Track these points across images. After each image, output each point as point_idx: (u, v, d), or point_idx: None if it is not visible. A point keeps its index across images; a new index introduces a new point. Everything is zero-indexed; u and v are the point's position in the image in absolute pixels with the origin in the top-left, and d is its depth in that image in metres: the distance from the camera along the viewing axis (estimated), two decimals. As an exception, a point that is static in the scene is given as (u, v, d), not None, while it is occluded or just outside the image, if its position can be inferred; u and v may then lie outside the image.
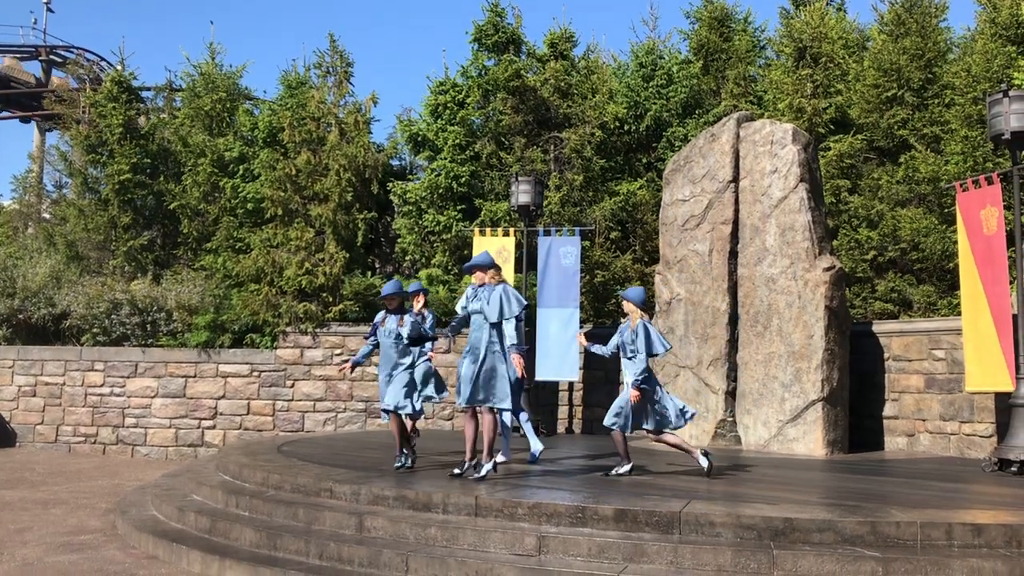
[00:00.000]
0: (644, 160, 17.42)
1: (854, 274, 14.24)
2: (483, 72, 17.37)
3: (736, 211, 12.25)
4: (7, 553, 7.60)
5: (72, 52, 38.90)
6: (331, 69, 18.58)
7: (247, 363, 15.63)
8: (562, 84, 17.22)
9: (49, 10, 42.13)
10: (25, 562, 7.28)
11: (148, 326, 16.29)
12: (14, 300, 17.03)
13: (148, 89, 22.44)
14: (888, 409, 12.38)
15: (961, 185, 10.82)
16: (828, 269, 11.39)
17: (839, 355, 11.46)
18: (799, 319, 11.43)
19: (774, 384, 11.54)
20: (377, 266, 18.44)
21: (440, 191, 16.45)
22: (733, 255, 12.21)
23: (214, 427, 15.56)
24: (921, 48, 14.83)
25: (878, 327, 12.71)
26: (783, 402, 11.45)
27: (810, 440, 11.18)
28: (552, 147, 16.86)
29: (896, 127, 14.80)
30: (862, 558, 5.70)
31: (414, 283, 10.36)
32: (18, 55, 40.06)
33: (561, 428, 14.58)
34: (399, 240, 17.17)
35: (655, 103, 17.08)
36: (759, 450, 11.45)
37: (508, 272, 14.28)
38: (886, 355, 12.45)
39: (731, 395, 12.02)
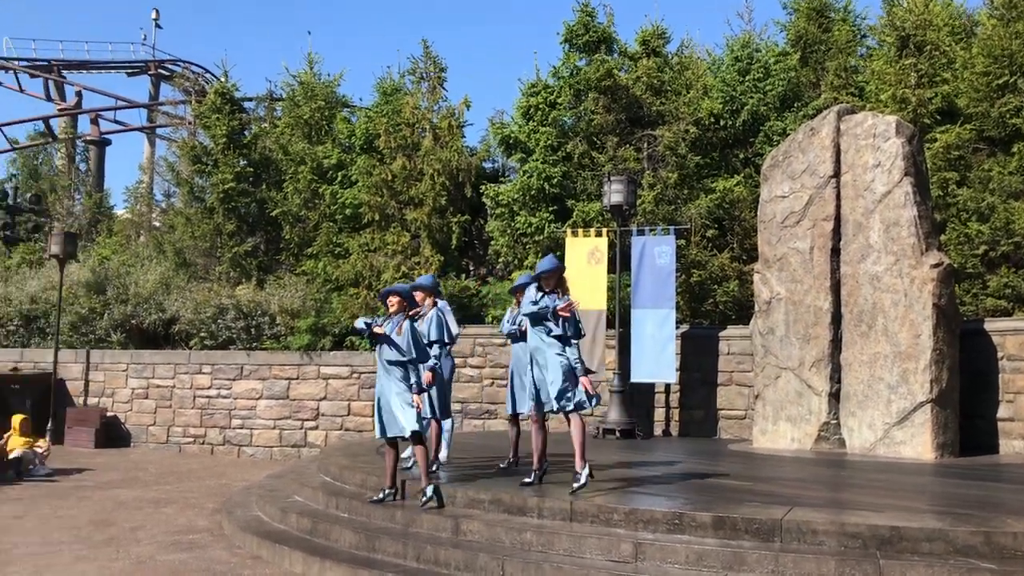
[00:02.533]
0: (741, 156, 17.06)
1: (964, 270, 13.64)
2: (574, 72, 17.30)
3: (838, 207, 11.87)
4: (123, 550, 7.93)
5: (178, 66, 40.46)
6: (425, 75, 18.82)
7: (347, 365, 15.94)
8: (655, 81, 17.02)
9: (157, 26, 43.96)
10: (139, 560, 7.59)
11: (252, 330, 16.79)
12: (127, 306, 17.80)
13: (250, 100, 23.17)
14: (1003, 411, 11.82)
15: (1081, 175, 10.26)
16: (936, 265, 10.94)
17: (948, 355, 11.00)
18: (905, 318, 11.01)
19: (880, 385, 11.14)
20: (471, 268, 18.58)
21: (532, 192, 16.46)
22: (835, 252, 11.84)
23: (316, 428, 15.93)
24: (1035, 32, 14.10)
25: (991, 325, 12.15)
26: (889, 404, 11.04)
27: (918, 443, 10.76)
28: (645, 145, 16.67)
29: (1008, 116, 14.12)
30: (976, 571, 5.44)
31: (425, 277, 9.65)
32: (129, 70, 41.87)
33: (658, 431, 14.40)
34: (492, 242, 17.25)
35: (752, 97, 16.71)
36: (864, 454, 11.08)
37: (601, 273, 14.20)
38: (1000, 354, 11.88)
39: (835, 397, 11.65)
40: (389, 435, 7.85)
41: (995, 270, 13.67)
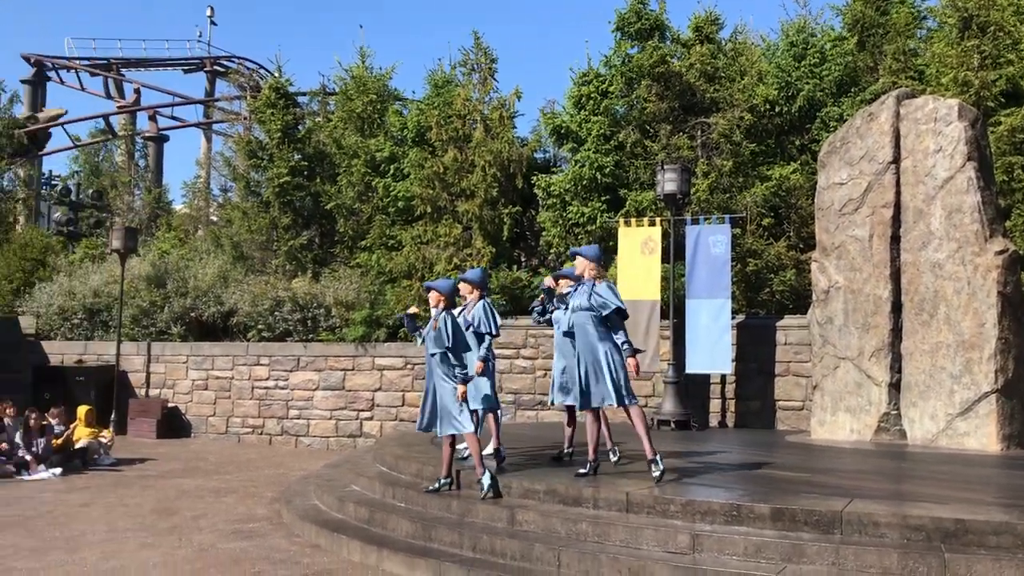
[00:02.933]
0: (797, 143, 16.78)
1: (1031, 257, 13.26)
2: (626, 60, 17.17)
3: (897, 194, 11.61)
4: (185, 538, 8.10)
5: (233, 62, 41.05)
6: (476, 66, 18.84)
7: (401, 356, 16.07)
8: (708, 68, 16.81)
9: (213, 23, 44.67)
10: (201, 547, 7.74)
11: (308, 322, 17.01)
12: (187, 299, 18.14)
13: (303, 94, 23.42)
14: (1072, 401, 11.46)
15: None
16: (1000, 252, 10.65)
17: (1015, 344, 10.70)
18: (968, 306, 10.75)
19: (942, 375, 10.89)
20: (523, 259, 18.58)
21: (584, 182, 16.39)
22: (895, 240, 11.59)
23: (371, 418, 16.09)
24: (1105, 9, 13.64)
25: (1059, 313, 11.78)
26: (952, 394, 10.80)
27: (983, 434, 10.51)
28: (699, 133, 16.49)
29: (1077, 97, 13.68)
30: (1046, 565, 5.30)
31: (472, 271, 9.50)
32: (185, 67, 42.62)
33: (714, 422, 14.27)
34: (544, 233, 17.22)
35: (808, 83, 16.42)
36: (926, 445, 10.85)
37: (655, 263, 14.08)
38: (1069, 343, 11.53)
39: (895, 387, 11.42)
40: (443, 433, 7.87)
41: (1063, 256, 13.27)
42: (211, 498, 10.39)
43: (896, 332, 11.46)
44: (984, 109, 13.85)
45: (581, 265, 7.89)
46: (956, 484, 7.67)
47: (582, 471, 7.78)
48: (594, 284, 7.70)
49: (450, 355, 7.73)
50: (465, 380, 7.75)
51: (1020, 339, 10.85)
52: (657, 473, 7.33)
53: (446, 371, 7.77)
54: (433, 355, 7.84)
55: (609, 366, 7.47)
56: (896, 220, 11.58)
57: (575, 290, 7.94)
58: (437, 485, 8.07)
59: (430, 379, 7.94)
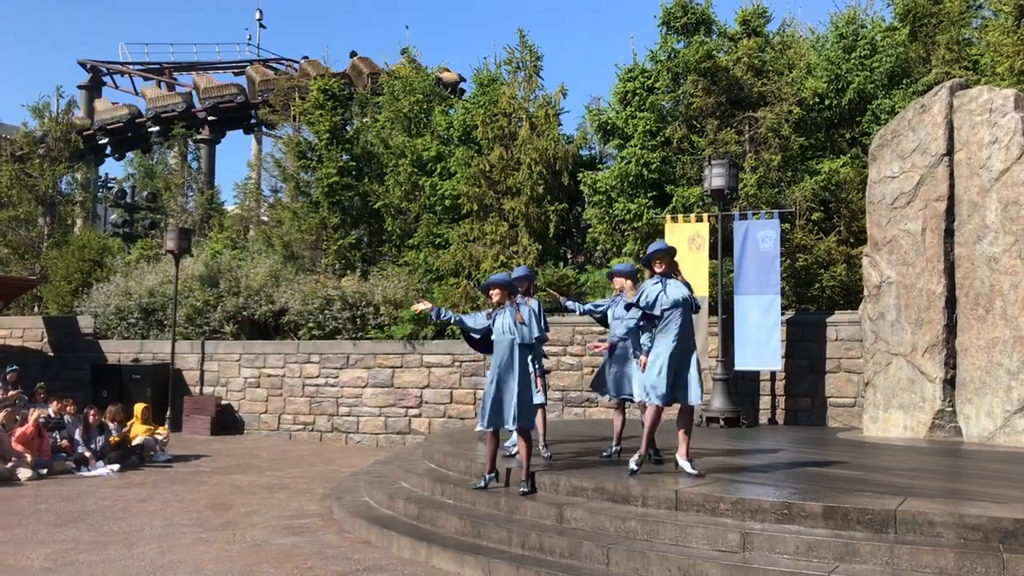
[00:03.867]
0: (847, 136, 16.54)
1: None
2: (672, 55, 17.07)
3: (951, 187, 11.39)
4: (239, 534, 8.24)
5: (282, 64, 41.52)
6: (521, 64, 18.87)
7: (449, 354, 16.17)
8: (756, 62, 16.65)
9: (262, 26, 45.32)
10: (254, 543, 7.87)
11: (358, 320, 17.19)
12: (239, 298, 18.44)
13: (351, 97, 23.63)
14: None
15: None
16: (1060, 246, 10.40)
17: (1075, 340, 10.45)
18: (1027, 301, 10.50)
19: (999, 371, 10.67)
20: (569, 256, 18.57)
21: (630, 179, 16.33)
22: (948, 234, 11.37)
23: (420, 415, 16.21)
24: None
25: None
26: (1010, 391, 10.57)
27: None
28: (747, 127, 16.33)
29: None
30: (1108, 566, 5.17)
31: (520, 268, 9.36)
32: (236, 70, 43.21)
33: (763, 419, 14.14)
34: (590, 230, 17.20)
35: (858, 75, 16.17)
36: (983, 443, 10.64)
37: (703, 259, 13.99)
38: None
39: (950, 384, 11.22)
40: (504, 426, 7.85)
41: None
42: (264, 494, 10.55)
43: (950, 328, 11.25)
44: (1042, 99, 13.52)
45: (619, 283, 8.38)
46: (1015, 483, 7.51)
47: (634, 468, 7.77)
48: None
49: (534, 348, 7.83)
50: (543, 372, 7.89)
51: (1080, 334, 10.58)
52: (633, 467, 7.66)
53: (521, 364, 7.74)
54: (515, 347, 7.76)
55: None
56: (950, 213, 11.37)
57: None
58: (483, 482, 8.11)
59: (508, 372, 7.79)
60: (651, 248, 7.81)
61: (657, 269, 7.70)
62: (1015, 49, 14.31)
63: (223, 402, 17.70)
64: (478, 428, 9.02)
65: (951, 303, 11.27)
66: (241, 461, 13.67)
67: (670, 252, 7.76)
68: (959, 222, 11.28)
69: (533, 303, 8.11)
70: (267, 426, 17.33)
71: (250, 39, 45.23)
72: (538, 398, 7.90)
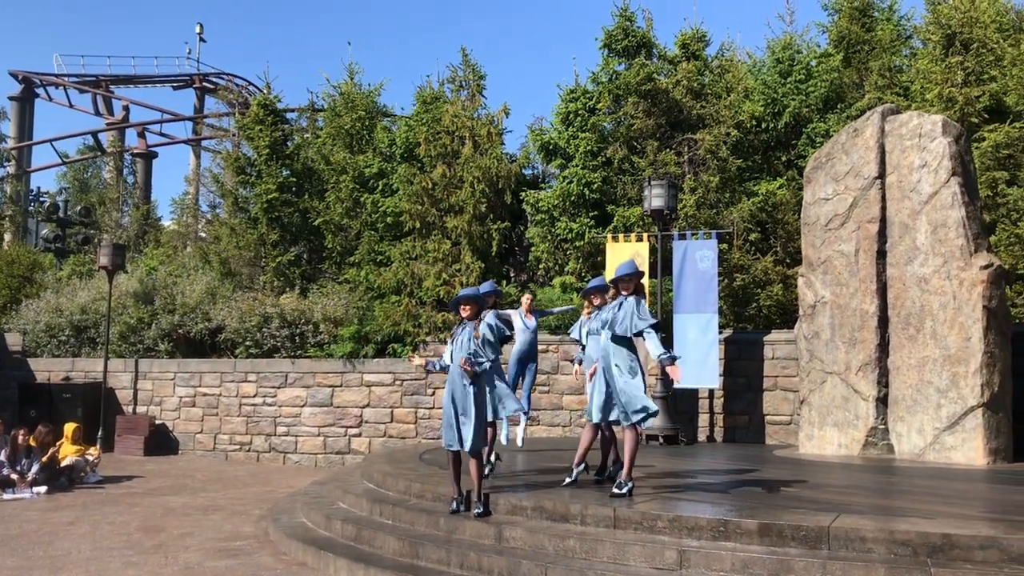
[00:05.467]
0: (783, 158, 16.90)
1: (1015, 271, 13.36)
2: (614, 77, 17.26)
3: (883, 209, 11.69)
4: (171, 556, 8.05)
5: (222, 79, 41.09)
6: (464, 83, 18.91)
7: (390, 372, 16.03)
8: (695, 85, 16.93)
9: (202, 40, 44.77)
10: (187, 566, 7.69)
11: (296, 338, 16.96)
12: (174, 316, 18.07)
13: (292, 111, 23.44)
14: (1058, 415, 11.53)
15: None
16: (985, 267, 10.72)
17: (1000, 358, 10.76)
18: (955, 321, 10.80)
19: (929, 389, 10.94)
20: (511, 275, 18.60)
21: (572, 198, 16.44)
22: (881, 255, 11.66)
23: (360, 435, 16.03)
24: (1086, 26, 13.80)
25: (1044, 327, 11.87)
26: (939, 408, 10.84)
27: (970, 449, 10.54)
28: (686, 149, 16.57)
29: (1059, 112, 13.82)
30: (1031, 579, 5.31)
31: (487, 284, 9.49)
32: (175, 84, 42.62)
33: (702, 436, 14.27)
34: (532, 248, 17.26)
35: (794, 99, 16.55)
36: (914, 459, 10.88)
37: (643, 278, 14.08)
38: (1054, 357, 11.60)
39: (882, 401, 11.46)
40: (457, 448, 7.62)
41: (1047, 271, 13.37)
42: (198, 515, 10.32)
43: (883, 347, 11.51)
44: (968, 125, 14.00)
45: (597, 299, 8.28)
46: (943, 499, 7.69)
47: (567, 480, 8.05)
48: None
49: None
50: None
51: (1005, 353, 10.91)
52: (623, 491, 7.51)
53: (472, 384, 7.56)
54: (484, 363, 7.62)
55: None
56: (882, 235, 11.65)
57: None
58: (455, 506, 7.76)
59: (462, 392, 7.54)
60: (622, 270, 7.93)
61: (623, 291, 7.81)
62: (943, 77, 14.78)
63: (157, 422, 17.29)
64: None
65: (883, 323, 11.53)
66: (175, 482, 13.36)
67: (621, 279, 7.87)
68: (891, 243, 11.57)
69: (489, 318, 7.95)
70: (203, 446, 16.97)
71: (190, 53, 44.66)
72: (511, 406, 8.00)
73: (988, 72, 14.86)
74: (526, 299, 11.55)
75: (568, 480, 8.26)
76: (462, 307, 7.71)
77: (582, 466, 8.36)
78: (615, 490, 7.49)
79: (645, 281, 13.97)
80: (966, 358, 10.67)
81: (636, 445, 7.64)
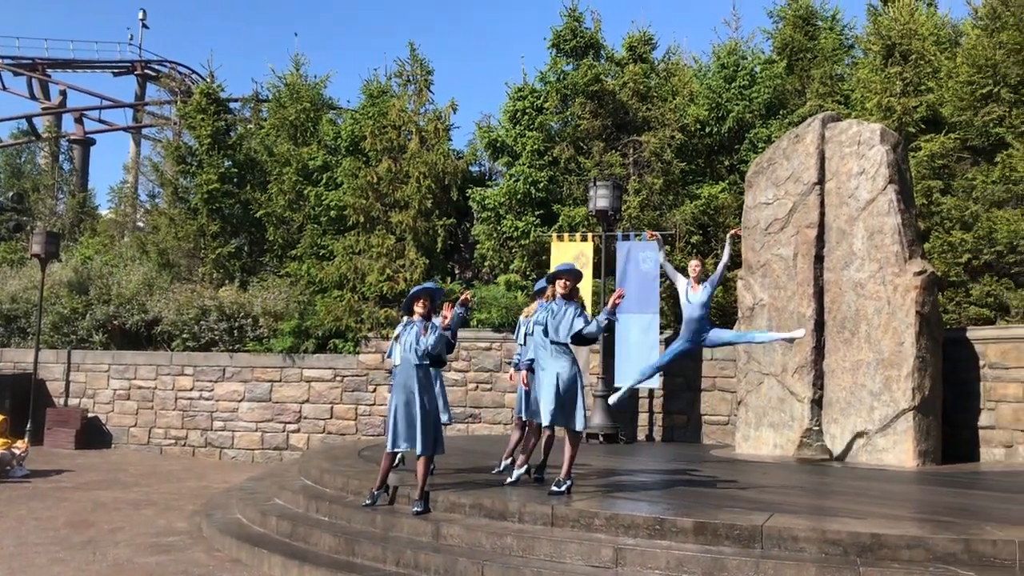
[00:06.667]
0: (726, 163, 17.11)
1: (947, 278, 13.70)
2: (561, 77, 17.31)
3: (822, 214, 11.91)
4: (100, 553, 7.85)
5: (165, 66, 40.21)
6: (411, 77, 18.79)
7: (330, 368, 15.88)
8: (641, 87, 17.05)
9: (144, 26, 43.68)
10: (116, 562, 7.51)
11: (235, 332, 16.70)
12: (110, 306, 17.66)
13: (235, 100, 23.07)
14: (984, 419, 11.87)
15: (1062, 185, 10.31)
16: (919, 273, 10.98)
17: (931, 362, 11.04)
18: (888, 325, 11.05)
19: (862, 392, 11.17)
20: (456, 272, 18.55)
21: (518, 197, 16.44)
22: (819, 259, 11.87)
23: (298, 431, 15.85)
24: (1019, 42, 14.17)
25: (973, 333, 12.20)
26: (872, 411, 11.07)
27: (900, 451, 10.79)
28: (631, 151, 16.69)
29: (992, 125, 14.20)
30: (955, 578, 5.45)
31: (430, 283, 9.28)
32: (115, 70, 41.60)
33: (641, 436, 14.40)
34: (478, 246, 17.22)
35: (737, 104, 16.77)
36: (847, 460, 11.11)
37: (587, 277, 14.16)
38: (982, 363, 11.93)
39: (817, 403, 11.68)
40: (401, 451, 7.66)
41: (978, 279, 13.72)
42: (129, 511, 10.09)
43: (819, 350, 11.72)
44: (905, 134, 14.30)
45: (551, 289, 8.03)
46: (874, 499, 7.86)
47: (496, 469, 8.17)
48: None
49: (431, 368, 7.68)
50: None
51: (936, 358, 11.19)
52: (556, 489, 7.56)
53: (424, 383, 7.58)
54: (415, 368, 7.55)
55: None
56: (820, 240, 11.87)
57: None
58: (371, 499, 7.89)
59: (410, 393, 7.51)
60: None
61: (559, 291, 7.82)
62: (882, 86, 15.10)
63: (90, 415, 16.88)
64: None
65: (820, 326, 11.75)
66: (107, 476, 13.05)
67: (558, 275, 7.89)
68: (828, 248, 11.79)
69: (437, 321, 7.90)
70: (136, 440, 16.61)
71: (132, 39, 43.53)
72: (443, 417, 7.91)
73: (926, 83, 15.21)
74: (694, 266, 9.89)
75: (510, 479, 8.25)
76: (420, 301, 7.63)
77: (524, 467, 8.34)
78: (554, 488, 7.52)
79: (588, 281, 14.14)
80: (899, 362, 10.91)
81: (577, 446, 7.68)
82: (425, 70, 18.72)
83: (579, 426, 7.63)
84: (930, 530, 6.14)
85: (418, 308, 7.62)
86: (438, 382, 8.02)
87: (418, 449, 7.43)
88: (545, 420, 7.54)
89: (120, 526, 9.14)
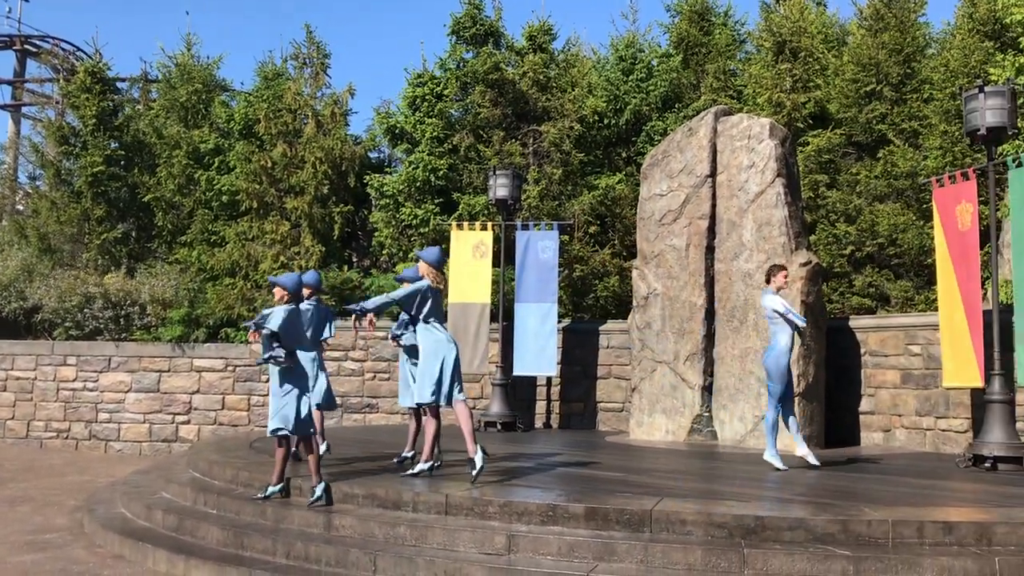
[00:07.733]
0: (623, 154, 17.35)
1: (831, 269, 14.23)
2: (461, 64, 17.25)
3: (713, 206, 12.20)
4: (-32, 553, 7.45)
5: (47, 42, 38.32)
6: (308, 60, 18.45)
7: (222, 358, 15.47)
8: (541, 77, 17.12)
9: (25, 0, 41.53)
10: (-14, 562, 7.15)
11: (122, 320, 16.10)
12: (-15, 293, 16.80)
13: (123, 80, 22.17)
14: (865, 404, 12.38)
15: (937, 181, 10.80)
16: (804, 264, 11.35)
17: (815, 350, 11.44)
18: (776, 314, 11.37)
19: (750, 379, 11.50)
20: (354, 260, 18.31)
21: (418, 184, 16.33)
22: (710, 250, 12.16)
23: (188, 422, 15.39)
24: (900, 43, 14.82)
25: (855, 322, 12.70)
26: (759, 397, 11.39)
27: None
28: (531, 140, 16.76)
29: (874, 122, 14.80)
30: (833, 557, 5.66)
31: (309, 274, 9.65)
32: (-7, 44, 39.45)
33: (539, 423, 14.52)
34: (376, 234, 17.04)
35: (635, 97, 17.02)
36: (735, 445, 11.43)
37: (486, 266, 14.18)
38: (863, 350, 12.44)
39: (707, 390, 11.98)
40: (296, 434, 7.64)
41: (860, 270, 14.31)
42: (3, 508, 9.62)
43: (709, 338, 12.01)
44: (794, 129, 14.79)
45: (422, 269, 7.91)
46: (759, 483, 8.10)
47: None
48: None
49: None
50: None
51: (820, 345, 11.60)
52: (475, 472, 7.52)
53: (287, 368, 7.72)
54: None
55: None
56: (711, 231, 12.15)
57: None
58: (265, 493, 7.69)
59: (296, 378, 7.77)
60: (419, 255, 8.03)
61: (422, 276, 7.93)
62: (773, 82, 15.55)
63: (-38, 407, 16.03)
64: None
65: (711, 315, 12.04)
66: (-21, 472, 12.42)
67: (437, 263, 7.94)
68: (719, 239, 12.08)
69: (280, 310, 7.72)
70: (14, 433, 15.84)
71: (10, 12, 41.31)
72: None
73: (814, 80, 15.74)
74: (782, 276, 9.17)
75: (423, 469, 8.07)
76: (274, 290, 7.81)
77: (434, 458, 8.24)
78: (412, 470, 7.76)
79: (488, 270, 14.14)
80: (784, 350, 11.25)
81: (438, 430, 7.91)
82: (322, 53, 18.41)
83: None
84: (811, 512, 6.36)
85: (275, 294, 7.81)
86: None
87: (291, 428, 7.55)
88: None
89: (-7, 524, 8.71)
